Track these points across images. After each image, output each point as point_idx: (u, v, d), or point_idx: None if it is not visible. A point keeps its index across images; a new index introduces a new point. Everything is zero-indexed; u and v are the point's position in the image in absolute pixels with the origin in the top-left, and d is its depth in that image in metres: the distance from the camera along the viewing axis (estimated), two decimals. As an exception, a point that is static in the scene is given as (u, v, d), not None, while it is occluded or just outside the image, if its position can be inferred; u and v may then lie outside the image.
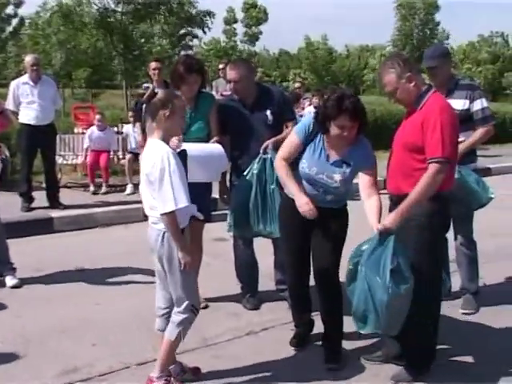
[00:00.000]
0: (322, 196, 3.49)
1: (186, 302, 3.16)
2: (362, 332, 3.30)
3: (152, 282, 4.98)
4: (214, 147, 4.08)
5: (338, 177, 3.40)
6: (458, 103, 4.15)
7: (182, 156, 3.91)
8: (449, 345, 3.81)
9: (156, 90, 3.09)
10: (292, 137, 3.56)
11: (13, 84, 7.35)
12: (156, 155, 3.02)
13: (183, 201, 3.02)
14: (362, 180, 3.44)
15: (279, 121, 4.38)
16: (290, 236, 3.72)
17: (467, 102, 4.26)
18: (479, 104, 4.29)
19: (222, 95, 9.12)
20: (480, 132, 4.29)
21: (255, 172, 4.11)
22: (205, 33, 24.95)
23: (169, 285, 3.21)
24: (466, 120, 4.14)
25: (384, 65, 3.40)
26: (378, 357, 3.66)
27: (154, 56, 11.19)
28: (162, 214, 3.02)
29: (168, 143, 3.17)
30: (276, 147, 4.19)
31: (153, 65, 7.29)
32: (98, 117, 9.11)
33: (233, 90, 4.36)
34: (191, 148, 3.84)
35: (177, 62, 4.29)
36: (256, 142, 4.20)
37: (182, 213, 3.06)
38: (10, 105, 7.07)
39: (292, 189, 3.46)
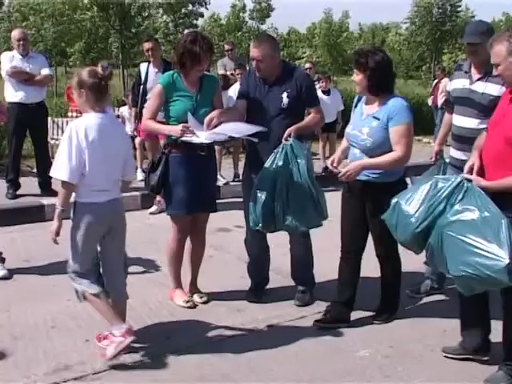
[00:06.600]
0: (353, 155, 3.99)
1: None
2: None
3: (146, 275, 5.04)
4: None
5: (365, 129, 3.88)
6: (495, 88, 3.97)
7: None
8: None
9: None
10: None
11: (8, 54, 7.16)
12: None
13: None
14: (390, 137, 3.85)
15: (298, 106, 4.32)
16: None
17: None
18: None
19: (231, 75, 9.14)
20: None
21: (279, 163, 4.06)
22: (207, 9, 24.83)
23: (116, 250, 3.76)
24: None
25: (502, 33, 3.30)
26: (457, 350, 3.69)
27: (146, 36, 11.05)
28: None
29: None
30: (299, 135, 4.18)
31: (145, 45, 7.24)
32: None
33: (256, 68, 4.29)
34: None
35: (184, 40, 4.16)
36: (266, 123, 4.14)
37: None
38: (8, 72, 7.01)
39: None
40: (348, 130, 4.07)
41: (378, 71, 3.83)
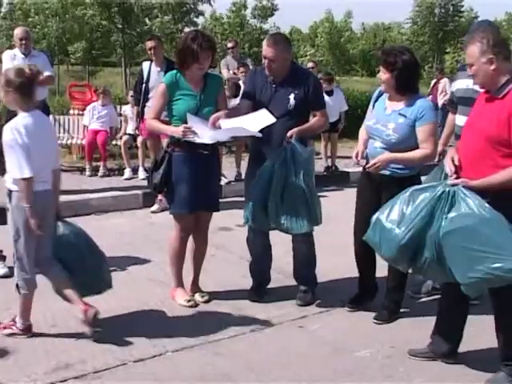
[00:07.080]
0: (373, 148, 4.01)
1: None
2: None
3: (147, 274, 5.03)
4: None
5: (391, 125, 3.93)
6: None
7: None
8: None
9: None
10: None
11: (9, 53, 7.15)
12: None
13: None
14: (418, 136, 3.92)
15: (304, 108, 4.31)
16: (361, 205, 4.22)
17: None
18: None
19: (234, 73, 9.12)
20: None
21: (277, 163, 4.08)
22: (211, 5, 24.80)
23: (46, 236, 3.81)
24: None
25: (476, 33, 3.35)
26: (424, 353, 3.69)
27: (149, 35, 11.10)
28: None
29: None
30: (301, 137, 4.17)
31: (148, 44, 7.25)
32: (101, 93, 9.04)
33: (267, 67, 4.26)
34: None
35: (185, 38, 4.18)
36: (272, 124, 4.12)
37: None
38: None
39: None
40: (369, 123, 4.10)
41: (405, 71, 3.87)
